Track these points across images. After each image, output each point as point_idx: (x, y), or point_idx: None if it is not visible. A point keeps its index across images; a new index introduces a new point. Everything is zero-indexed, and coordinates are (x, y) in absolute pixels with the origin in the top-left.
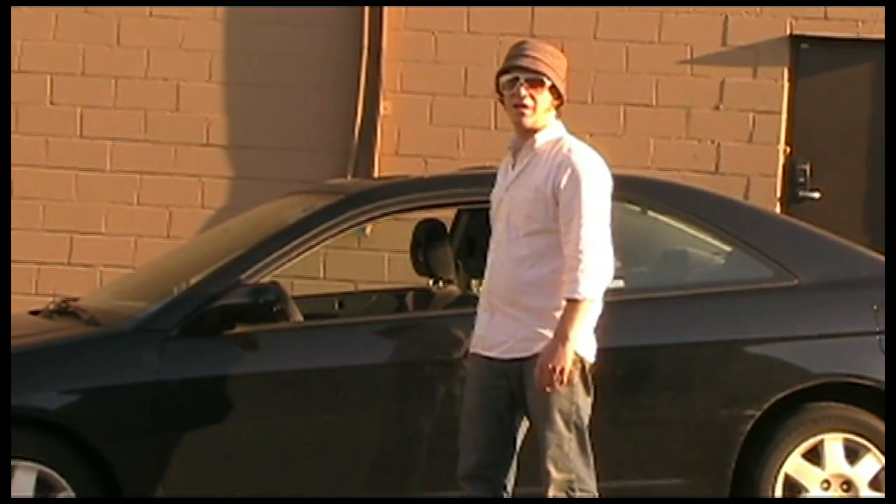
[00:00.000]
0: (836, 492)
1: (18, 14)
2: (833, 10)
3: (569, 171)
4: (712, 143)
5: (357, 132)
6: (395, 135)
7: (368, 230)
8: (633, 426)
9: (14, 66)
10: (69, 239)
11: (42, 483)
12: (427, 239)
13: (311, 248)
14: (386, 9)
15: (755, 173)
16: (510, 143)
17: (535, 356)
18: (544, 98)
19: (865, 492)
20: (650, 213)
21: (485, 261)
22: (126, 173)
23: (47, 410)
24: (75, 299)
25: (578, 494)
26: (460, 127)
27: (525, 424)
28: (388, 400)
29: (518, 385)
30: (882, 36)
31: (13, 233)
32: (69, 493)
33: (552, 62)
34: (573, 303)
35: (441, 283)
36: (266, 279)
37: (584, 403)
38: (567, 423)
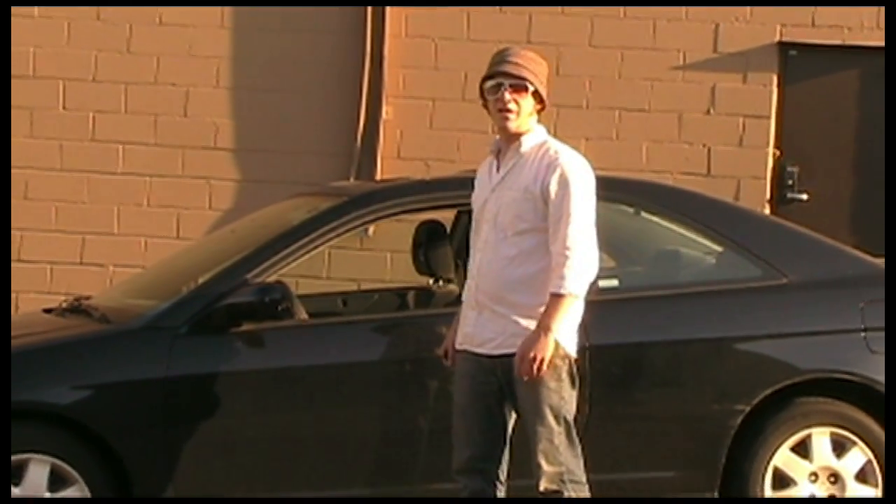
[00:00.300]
0: (823, 484)
1: (32, 22)
2: (820, 18)
3: (557, 172)
4: (704, 146)
5: (360, 136)
6: (397, 138)
7: (371, 231)
8: (627, 421)
9: (28, 72)
10: (81, 239)
11: (55, 475)
12: (427, 239)
13: (316, 248)
14: (388, 17)
15: (745, 176)
16: (491, 146)
17: None
18: (527, 102)
19: (852, 484)
20: (643, 214)
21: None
22: (136, 176)
23: (60, 405)
24: (87, 298)
25: (569, 486)
26: (460, 131)
27: (514, 417)
28: (390, 395)
29: (507, 381)
30: (868, 42)
31: (28, 233)
32: (81, 485)
33: (534, 68)
34: (558, 297)
35: (441, 283)
36: (272, 278)
37: (571, 397)
38: (556, 418)
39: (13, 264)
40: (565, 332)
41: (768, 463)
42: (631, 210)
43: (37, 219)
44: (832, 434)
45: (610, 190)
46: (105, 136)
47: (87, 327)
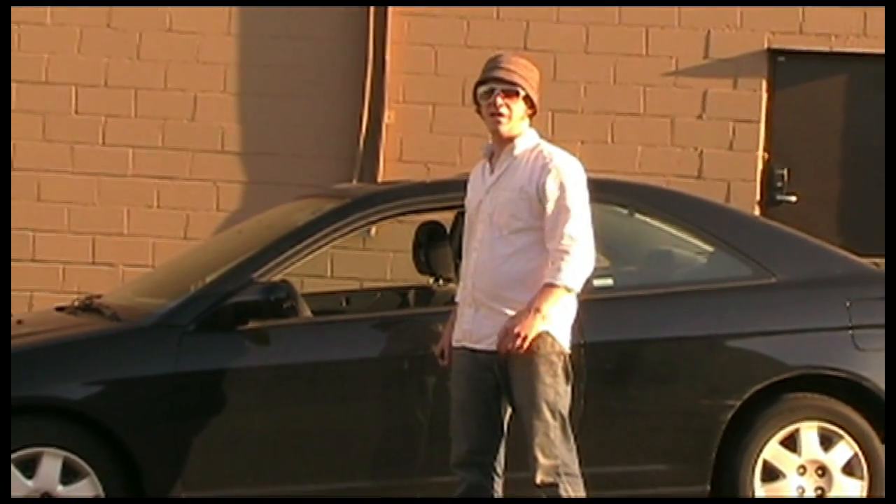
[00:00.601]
0: (811, 477)
1: (45, 29)
2: (808, 26)
3: (553, 172)
4: (695, 150)
5: (362, 140)
6: (399, 142)
7: (373, 231)
8: (622, 416)
9: (41, 77)
10: (92, 240)
11: (67, 468)
12: (428, 240)
13: (320, 248)
14: (390, 24)
15: (735, 178)
16: (484, 149)
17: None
18: (518, 107)
19: (839, 477)
20: (637, 215)
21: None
22: (146, 178)
23: (72, 400)
24: (98, 296)
25: (564, 478)
26: (459, 135)
27: (509, 412)
28: (392, 390)
29: (503, 377)
30: (854, 49)
31: (41, 234)
32: (93, 478)
33: (525, 74)
34: (551, 286)
35: (441, 282)
36: (277, 278)
37: (566, 393)
38: (552, 412)
39: (28, 264)
40: (559, 327)
41: (758, 456)
42: (625, 211)
43: (49, 220)
44: (820, 428)
45: (604, 192)
46: (115, 140)
47: (98, 325)
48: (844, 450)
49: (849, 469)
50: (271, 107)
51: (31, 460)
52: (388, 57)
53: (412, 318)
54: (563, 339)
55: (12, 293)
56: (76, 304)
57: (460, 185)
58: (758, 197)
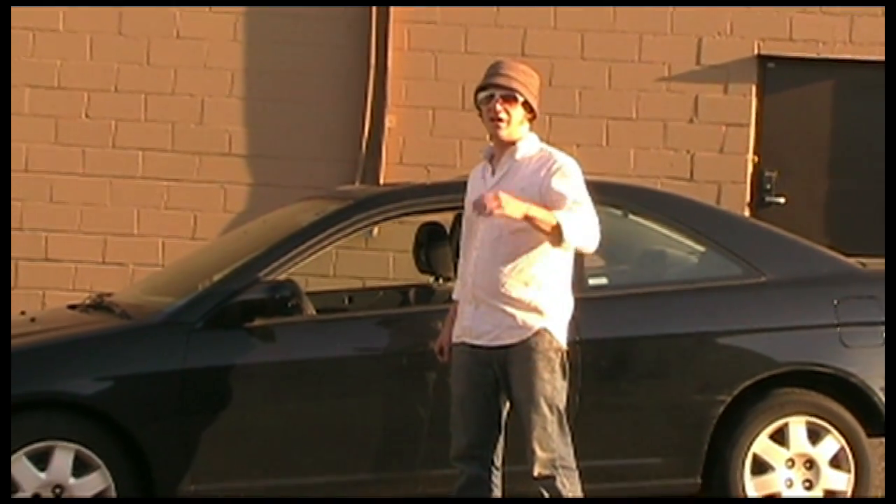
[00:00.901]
0: (799, 470)
1: (57, 36)
2: (797, 33)
3: (556, 169)
4: (687, 152)
5: (365, 143)
6: (400, 145)
7: (375, 232)
8: (616, 410)
9: (54, 83)
10: (103, 240)
11: (79, 461)
12: (428, 240)
13: (323, 248)
14: (391, 31)
15: (726, 180)
16: (484, 151)
17: (519, 343)
18: (517, 112)
19: (826, 469)
20: (631, 216)
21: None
22: (155, 180)
23: (84, 395)
24: (109, 295)
25: (560, 471)
26: (458, 138)
27: (508, 406)
28: (393, 386)
29: (502, 373)
30: (841, 56)
31: (53, 234)
32: (104, 471)
33: (525, 80)
34: (552, 214)
35: (441, 280)
36: (282, 277)
37: (563, 388)
38: (549, 407)
39: (41, 263)
40: (557, 324)
41: (748, 450)
42: (619, 212)
43: (62, 221)
44: (808, 423)
45: (599, 193)
46: (126, 143)
47: (109, 322)
48: (831, 443)
49: (836, 462)
50: (276, 111)
51: (44, 453)
52: (389, 62)
53: (413, 315)
54: (561, 335)
55: (25, 291)
56: (88, 302)
57: (460, 187)
58: (747, 198)
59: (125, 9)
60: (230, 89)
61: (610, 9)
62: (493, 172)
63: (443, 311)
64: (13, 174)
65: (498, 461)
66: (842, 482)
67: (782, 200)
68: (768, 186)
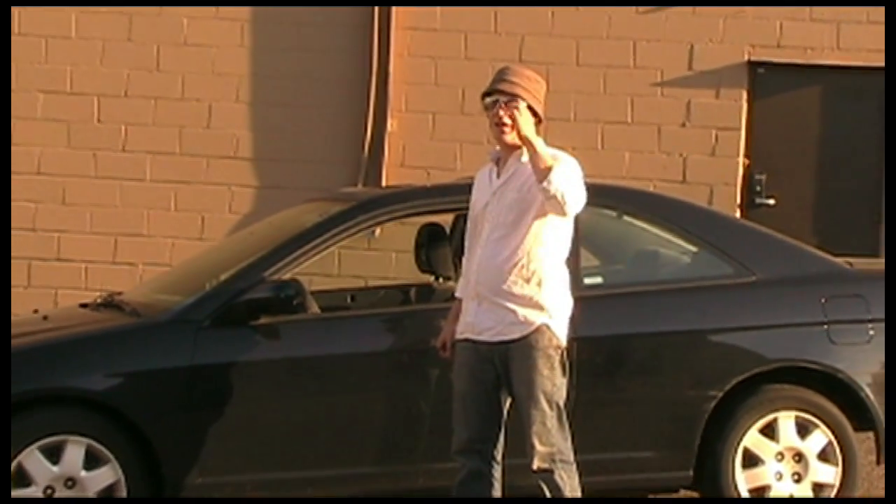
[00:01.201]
0: (788, 463)
1: (69, 43)
2: (786, 40)
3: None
4: (680, 156)
5: (367, 146)
6: (401, 149)
7: (377, 233)
8: (611, 405)
9: (66, 88)
10: (114, 240)
11: (90, 455)
12: (429, 240)
13: (327, 248)
14: (393, 38)
15: (717, 182)
16: (491, 154)
17: (520, 339)
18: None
19: (814, 463)
20: (625, 217)
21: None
22: (164, 183)
23: (95, 391)
24: (119, 294)
25: (559, 465)
26: (458, 142)
27: (508, 402)
28: (395, 382)
29: (503, 369)
30: (828, 62)
31: (65, 235)
32: (114, 465)
33: (529, 85)
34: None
35: (441, 280)
36: (287, 276)
37: (562, 384)
38: (549, 403)
39: (53, 263)
40: (557, 322)
41: (739, 443)
42: (614, 214)
43: (74, 222)
44: (797, 417)
45: (594, 195)
46: (136, 147)
47: (119, 320)
48: (820, 437)
49: (824, 456)
50: (282, 115)
51: (57, 447)
52: (391, 69)
53: (414, 314)
54: (561, 333)
55: (39, 290)
56: (99, 300)
57: (459, 189)
58: (738, 200)
59: (135, 16)
60: (237, 94)
61: (605, 16)
62: (499, 175)
63: (443, 309)
64: (27, 177)
65: (498, 455)
66: (830, 475)
67: (772, 202)
68: (758, 188)
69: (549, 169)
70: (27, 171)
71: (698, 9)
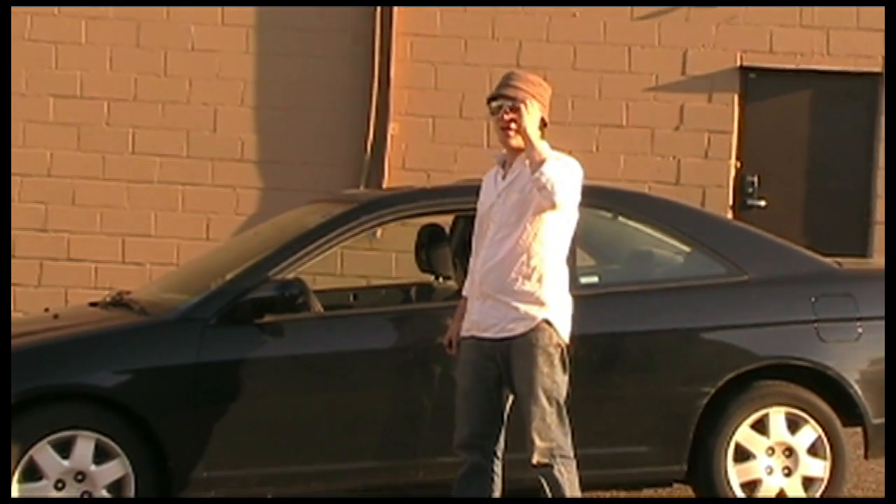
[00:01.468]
0: (779, 458)
1: (79, 48)
2: (777, 45)
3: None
4: (673, 158)
5: (369, 149)
6: (402, 151)
7: (379, 233)
8: (606, 402)
9: (76, 92)
10: (123, 241)
11: (99, 449)
12: (429, 241)
13: (330, 248)
14: (394, 43)
15: (710, 185)
16: (497, 157)
17: (521, 335)
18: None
19: (804, 457)
20: (620, 218)
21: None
22: (171, 185)
23: (104, 387)
24: (128, 293)
25: (558, 460)
26: (457, 145)
27: (510, 400)
28: (396, 379)
29: (505, 366)
30: (818, 67)
31: (75, 236)
32: (123, 459)
33: (533, 90)
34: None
35: (441, 279)
36: (291, 275)
37: (562, 381)
38: (549, 399)
39: (63, 263)
40: (558, 320)
41: (731, 438)
42: (609, 215)
43: (83, 223)
44: (787, 413)
45: (590, 197)
46: (143, 150)
47: (128, 319)
48: (809, 432)
49: (813, 450)
50: (286, 119)
51: (67, 442)
52: (392, 73)
53: (415, 312)
54: (562, 329)
55: (49, 289)
56: (108, 299)
57: (459, 191)
58: (730, 202)
59: (143, 23)
60: (242, 99)
61: (600, 22)
62: (504, 177)
63: (443, 308)
64: (38, 179)
65: (499, 451)
66: (819, 469)
67: (763, 203)
68: (750, 190)
69: (542, 161)
70: (38, 173)
71: (691, 15)
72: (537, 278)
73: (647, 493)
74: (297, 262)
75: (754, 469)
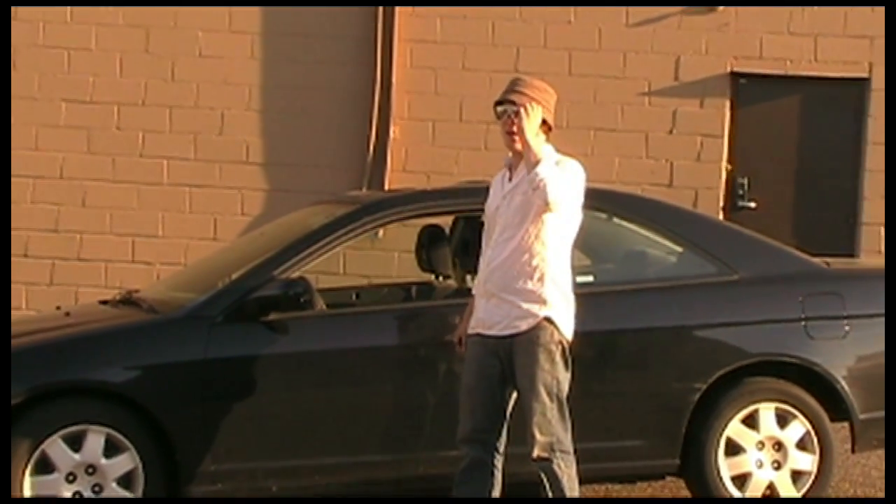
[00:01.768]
0: (769, 452)
1: (90, 54)
2: (766, 52)
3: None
4: (666, 161)
5: (371, 152)
6: (403, 154)
7: (380, 234)
8: (602, 397)
9: (87, 97)
10: (132, 241)
11: (109, 443)
12: (429, 241)
13: (333, 248)
14: (395, 49)
15: (702, 187)
16: (505, 160)
17: (524, 332)
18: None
19: (793, 451)
20: (615, 219)
21: (478, 259)
22: (179, 186)
23: (115, 383)
24: (137, 291)
25: (558, 454)
26: (457, 148)
27: (514, 397)
28: (398, 375)
29: (508, 363)
30: (807, 73)
31: (86, 236)
32: (132, 452)
33: (538, 95)
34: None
35: (441, 278)
36: (295, 274)
37: (564, 378)
38: (549, 395)
39: (74, 262)
40: (561, 319)
41: (722, 433)
42: (604, 216)
43: (94, 223)
44: (776, 408)
45: (586, 199)
46: (152, 153)
47: (137, 316)
48: (798, 427)
49: (802, 444)
50: (290, 123)
51: (78, 436)
52: (393, 79)
53: (415, 310)
54: (564, 328)
55: (61, 288)
56: (117, 298)
57: (458, 193)
58: (721, 203)
59: (152, 30)
60: (248, 103)
61: (595, 29)
62: (511, 179)
63: (442, 305)
64: (50, 181)
65: (501, 446)
66: (807, 463)
67: (753, 205)
68: (740, 192)
69: (537, 162)
70: (50, 176)
71: (684, 23)
72: (539, 278)
73: (644, 493)
74: (301, 261)
75: (745, 463)
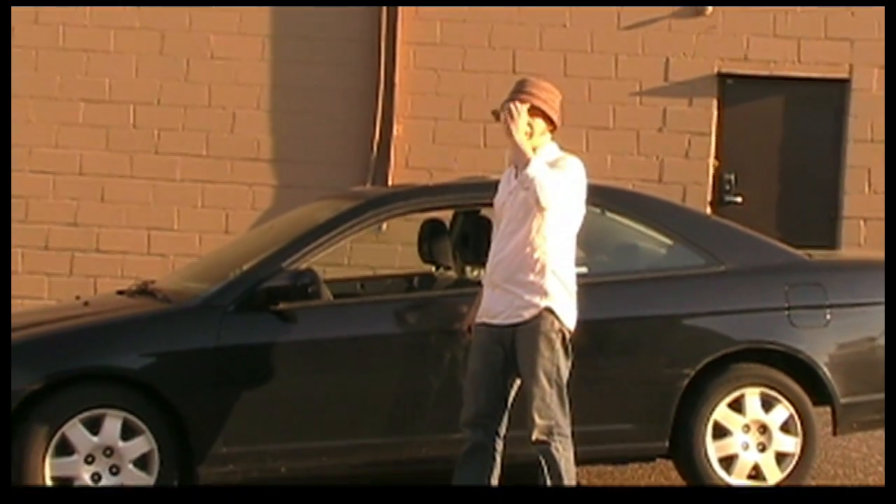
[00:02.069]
0: (754, 434)
1: (108, 56)
2: (752, 54)
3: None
4: (656, 158)
5: (375, 149)
6: (406, 151)
7: (384, 227)
8: (594, 383)
9: (105, 97)
10: (148, 234)
11: (126, 426)
12: (430, 234)
13: (339, 241)
14: (398, 51)
15: (690, 182)
16: (511, 157)
17: (526, 322)
18: (537, 124)
19: (777, 434)
20: (608, 213)
21: (476, 253)
22: (192, 182)
23: (132, 369)
24: (153, 282)
25: (556, 437)
26: (457, 145)
27: (517, 384)
28: (401, 361)
29: (511, 350)
30: (791, 73)
31: (104, 230)
32: (148, 435)
33: (544, 95)
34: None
35: (441, 270)
36: (303, 266)
37: (564, 365)
38: (549, 381)
39: (92, 255)
40: (562, 308)
41: (709, 417)
42: (598, 210)
43: (111, 218)
44: (761, 393)
45: None
46: (167, 150)
47: (152, 306)
48: (782, 411)
49: (786, 427)
50: (298, 122)
51: (97, 420)
52: (397, 79)
53: (417, 300)
54: (565, 317)
55: (80, 279)
56: (134, 288)
57: (458, 188)
58: (709, 198)
59: (167, 32)
60: (258, 103)
61: (588, 32)
62: (517, 175)
63: (443, 295)
64: (69, 177)
65: (501, 431)
66: (791, 445)
67: (739, 199)
68: (727, 187)
69: (528, 162)
70: (70, 172)
71: (673, 26)
72: (540, 270)
73: (640, 483)
74: (308, 253)
75: (731, 445)
